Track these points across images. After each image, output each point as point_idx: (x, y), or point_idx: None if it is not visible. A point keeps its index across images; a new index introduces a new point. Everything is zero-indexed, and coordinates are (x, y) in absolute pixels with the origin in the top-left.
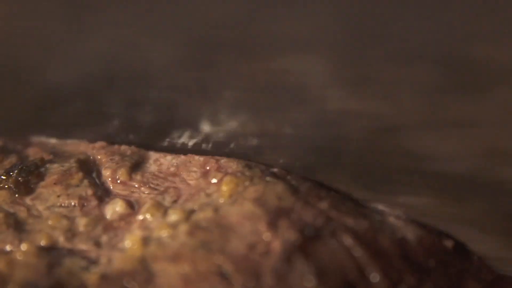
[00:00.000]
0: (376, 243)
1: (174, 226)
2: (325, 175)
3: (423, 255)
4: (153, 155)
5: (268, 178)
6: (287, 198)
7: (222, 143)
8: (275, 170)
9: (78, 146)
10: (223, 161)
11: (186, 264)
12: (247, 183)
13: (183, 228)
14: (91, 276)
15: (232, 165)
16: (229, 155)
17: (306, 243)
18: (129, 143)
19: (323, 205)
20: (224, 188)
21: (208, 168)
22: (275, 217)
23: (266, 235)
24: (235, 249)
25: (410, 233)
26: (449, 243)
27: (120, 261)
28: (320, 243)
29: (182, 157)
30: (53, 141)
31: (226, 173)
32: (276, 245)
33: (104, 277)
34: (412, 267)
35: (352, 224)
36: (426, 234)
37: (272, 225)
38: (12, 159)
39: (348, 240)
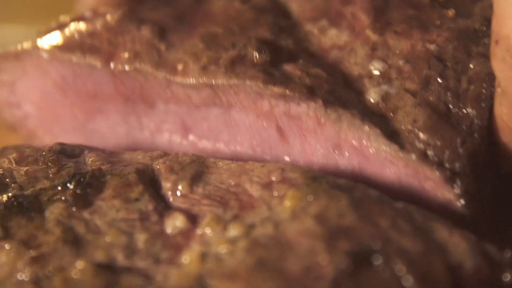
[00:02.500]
0: (429, 269)
1: (233, 241)
2: None
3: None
4: (213, 163)
5: (333, 192)
6: (349, 215)
7: None
8: (342, 182)
9: (136, 155)
10: (288, 170)
11: (242, 283)
12: (311, 197)
13: (242, 244)
14: None
15: (297, 176)
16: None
17: (358, 271)
18: None
19: (384, 223)
20: (287, 203)
21: (272, 178)
22: (334, 237)
23: (322, 258)
24: (291, 270)
25: (469, 260)
26: (507, 279)
27: (177, 278)
28: (372, 271)
29: (244, 165)
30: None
31: (291, 186)
32: (329, 271)
33: None
34: None
35: (409, 247)
36: (486, 264)
37: (329, 246)
38: (70, 169)
39: (400, 267)
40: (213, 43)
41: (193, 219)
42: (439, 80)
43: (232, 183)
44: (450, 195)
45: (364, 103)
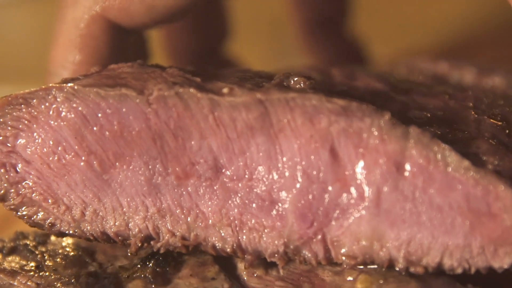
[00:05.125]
0: None
1: None
2: None
3: None
4: None
5: (402, 277)
6: None
7: None
8: (412, 268)
9: None
10: None
11: None
12: (381, 281)
13: None
14: None
15: None
16: None
17: None
18: None
19: None
20: (359, 286)
21: (343, 265)
22: None
23: None
24: None
25: None
26: None
27: None
28: None
29: None
30: None
31: (362, 271)
32: None
33: None
34: None
35: None
36: None
37: None
38: (148, 249)
39: None
40: (249, 82)
41: None
42: (489, 121)
43: (305, 269)
44: None
45: None
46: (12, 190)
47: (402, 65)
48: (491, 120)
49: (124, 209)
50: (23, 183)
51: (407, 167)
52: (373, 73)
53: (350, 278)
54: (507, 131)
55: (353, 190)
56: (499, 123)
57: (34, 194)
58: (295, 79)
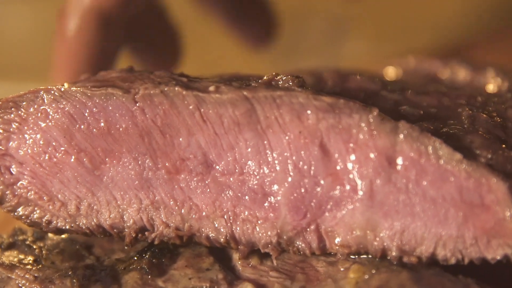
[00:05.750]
0: None
1: None
2: None
3: None
4: None
5: (394, 267)
6: (409, 286)
7: None
8: (406, 258)
9: None
10: None
11: None
12: (373, 271)
13: None
14: None
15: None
16: None
17: None
18: None
19: None
20: (351, 275)
21: (337, 255)
22: None
23: None
24: None
25: None
26: None
27: None
28: None
29: None
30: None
31: (354, 262)
32: None
33: None
34: None
35: None
36: None
37: None
38: (144, 242)
39: None
40: (237, 81)
41: None
42: (483, 117)
43: (299, 259)
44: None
45: None
46: (8, 192)
47: (395, 65)
48: (486, 115)
49: (118, 202)
50: (18, 184)
51: (399, 160)
52: (366, 75)
53: (343, 269)
54: (503, 126)
55: (345, 183)
56: (495, 118)
57: (29, 193)
58: (283, 78)
